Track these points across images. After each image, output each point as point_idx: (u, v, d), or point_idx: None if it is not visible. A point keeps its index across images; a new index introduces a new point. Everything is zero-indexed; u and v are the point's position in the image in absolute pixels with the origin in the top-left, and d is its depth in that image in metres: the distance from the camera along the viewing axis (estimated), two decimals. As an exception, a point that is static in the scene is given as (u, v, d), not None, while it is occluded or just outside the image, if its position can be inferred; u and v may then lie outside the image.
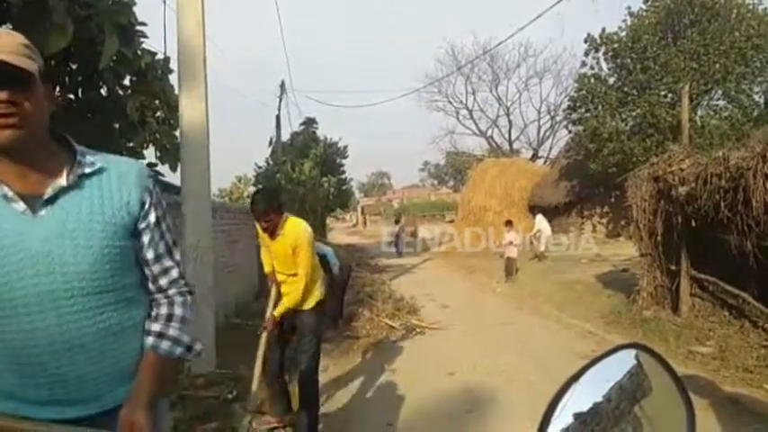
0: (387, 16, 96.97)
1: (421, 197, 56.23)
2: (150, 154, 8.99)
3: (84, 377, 1.34)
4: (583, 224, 20.78)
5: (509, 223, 13.49)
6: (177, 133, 8.84)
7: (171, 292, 1.47)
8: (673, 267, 7.24)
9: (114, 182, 1.38)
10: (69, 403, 1.34)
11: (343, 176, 24.85)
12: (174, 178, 9.97)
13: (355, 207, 62.39)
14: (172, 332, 1.43)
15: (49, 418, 1.31)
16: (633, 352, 0.94)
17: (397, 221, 25.03)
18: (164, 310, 1.46)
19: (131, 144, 8.64)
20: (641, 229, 7.48)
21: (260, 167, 22.07)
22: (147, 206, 1.42)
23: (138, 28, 7.42)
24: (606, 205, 19.65)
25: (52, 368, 1.30)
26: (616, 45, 17.76)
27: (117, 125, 8.35)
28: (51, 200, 1.30)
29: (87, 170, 1.36)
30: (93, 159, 1.38)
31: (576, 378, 0.88)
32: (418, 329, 7.71)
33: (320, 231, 17.65)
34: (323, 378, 5.73)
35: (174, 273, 1.48)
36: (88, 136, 7.86)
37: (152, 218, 1.43)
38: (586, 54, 18.73)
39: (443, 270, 16.54)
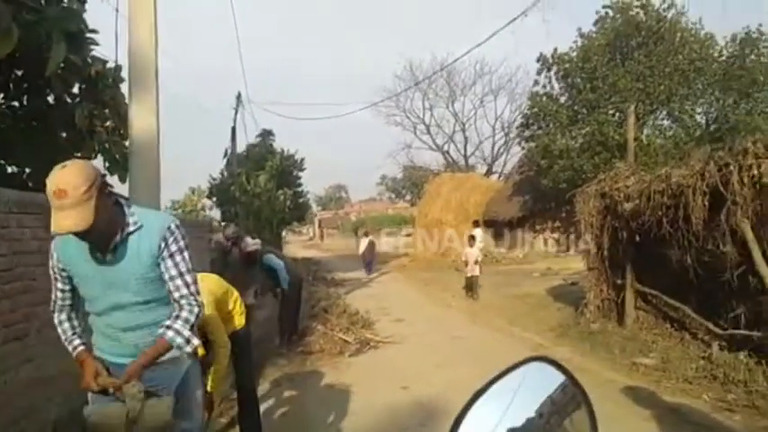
0: (345, 31, 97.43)
1: (378, 211, 56.33)
2: (98, 164, 8.70)
3: (134, 346, 2.24)
4: (535, 238, 21.24)
5: (471, 239, 12.88)
6: (126, 143, 8.59)
7: (182, 302, 2.21)
8: (619, 281, 7.47)
9: (147, 234, 2.15)
10: (125, 356, 2.24)
11: (299, 189, 24.64)
12: (123, 189, 9.70)
13: (312, 220, 62.01)
14: (176, 326, 2.17)
15: (116, 362, 2.27)
16: (552, 366, 0.97)
17: (366, 234, 22.44)
18: (175, 313, 2.21)
19: (79, 154, 8.33)
20: (589, 243, 7.71)
21: (215, 179, 21.69)
22: (163, 246, 2.16)
23: (89, 35, 7.22)
24: (557, 220, 20.14)
25: (120, 339, 2.26)
26: (567, 65, 18.33)
27: (64, 134, 8.06)
28: (113, 250, 2.14)
29: (132, 228, 2.14)
30: (136, 219, 2.15)
31: (482, 392, 0.92)
32: (372, 343, 7.70)
33: (276, 245, 17.42)
34: (276, 393, 5.69)
35: (184, 290, 2.20)
36: (33, 145, 7.57)
37: (166, 253, 2.17)
38: (539, 73, 19.28)
39: (399, 284, 16.59)
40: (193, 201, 32.17)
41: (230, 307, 3.87)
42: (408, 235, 30.77)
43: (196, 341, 2.24)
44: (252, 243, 7.54)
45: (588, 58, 17.87)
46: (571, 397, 0.96)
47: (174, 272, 2.18)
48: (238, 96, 22.02)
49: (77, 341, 2.32)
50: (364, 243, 20.77)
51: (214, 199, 21.70)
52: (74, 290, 2.31)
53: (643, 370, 5.76)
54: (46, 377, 4.16)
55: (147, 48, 5.38)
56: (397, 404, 5.12)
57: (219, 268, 6.39)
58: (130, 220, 2.14)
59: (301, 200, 25.17)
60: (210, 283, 3.64)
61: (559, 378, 0.95)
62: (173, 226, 2.19)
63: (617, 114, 17.17)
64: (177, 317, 2.20)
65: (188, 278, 2.21)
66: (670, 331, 6.77)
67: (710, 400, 4.77)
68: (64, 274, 2.26)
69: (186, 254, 2.21)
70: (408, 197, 55.33)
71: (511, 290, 12.36)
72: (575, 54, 18.46)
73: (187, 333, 2.18)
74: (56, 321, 2.37)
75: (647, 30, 17.61)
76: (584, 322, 7.72)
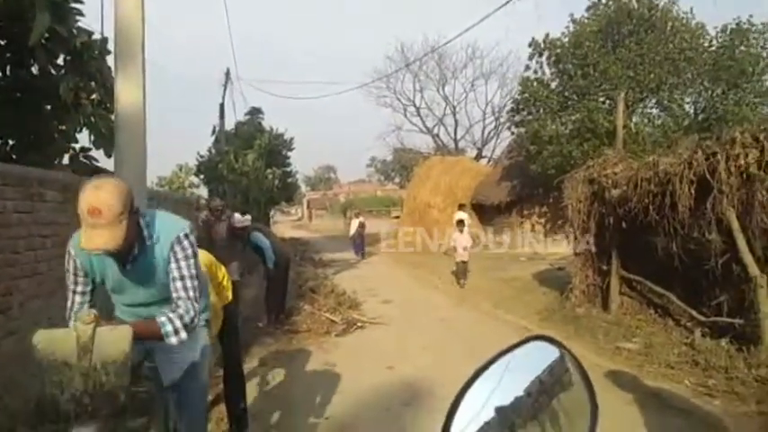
0: (337, 10, 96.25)
1: (367, 192, 56.35)
2: (84, 138, 8.55)
3: None
4: (522, 223, 21.34)
5: (461, 223, 11.91)
6: (113, 117, 8.45)
7: (179, 303, 2.32)
8: (604, 267, 7.54)
9: (161, 245, 2.31)
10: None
11: (288, 169, 24.50)
12: (109, 164, 9.58)
13: (301, 201, 61.86)
14: (170, 315, 2.27)
15: None
16: (552, 344, 0.97)
17: (357, 215, 21.12)
18: (173, 307, 2.32)
19: (63, 127, 8.19)
20: (576, 228, 7.76)
21: (202, 157, 21.48)
22: (172, 254, 2.32)
23: (74, 5, 7.05)
24: (545, 205, 20.22)
25: None
26: (559, 50, 18.24)
27: (48, 106, 7.90)
28: (132, 260, 2.29)
29: (148, 242, 2.29)
30: (152, 231, 2.29)
31: (482, 370, 0.90)
32: (359, 324, 7.73)
33: (264, 224, 17.33)
34: (262, 372, 5.70)
35: (182, 293, 2.32)
36: (17, 117, 7.42)
37: (173, 258, 2.31)
38: (530, 58, 19.16)
39: (387, 266, 16.63)
40: (180, 178, 31.81)
41: (219, 279, 3.88)
42: (397, 217, 30.79)
43: (183, 335, 2.30)
44: (241, 220, 7.48)
45: (580, 44, 17.78)
46: (558, 377, 0.96)
47: (176, 274, 2.32)
48: (227, 73, 21.74)
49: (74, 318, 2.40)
50: (355, 224, 20.03)
51: (201, 176, 21.51)
52: (93, 290, 2.42)
53: (626, 354, 5.84)
54: (28, 351, 4.12)
55: (133, 19, 5.25)
56: (383, 384, 5.16)
57: (206, 244, 6.34)
58: (147, 232, 2.29)
59: (290, 180, 25.05)
60: (200, 256, 3.66)
61: (552, 358, 0.95)
62: (182, 235, 2.33)
63: (607, 102, 17.16)
64: (174, 311, 2.30)
65: (188, 282, 2.34)
66: (654, 317, 6.86)
67: (692, 386, 4.85)
68: (86, 277, 2.37)
69: (192, 261, 2.36)
70: (397, 179, 55.34)
71: (497, 274, 12.45)
72: (566, 40, 18.36)
73: (178, 324, 2.28)
74: (67, 282, 2.42)
75: (638, 17, 17.54)
76: (569, 307, 7.80)
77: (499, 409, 0.89)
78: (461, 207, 17.21)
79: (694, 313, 6.15)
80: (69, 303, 2.40)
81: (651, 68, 16.74)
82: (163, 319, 2.26)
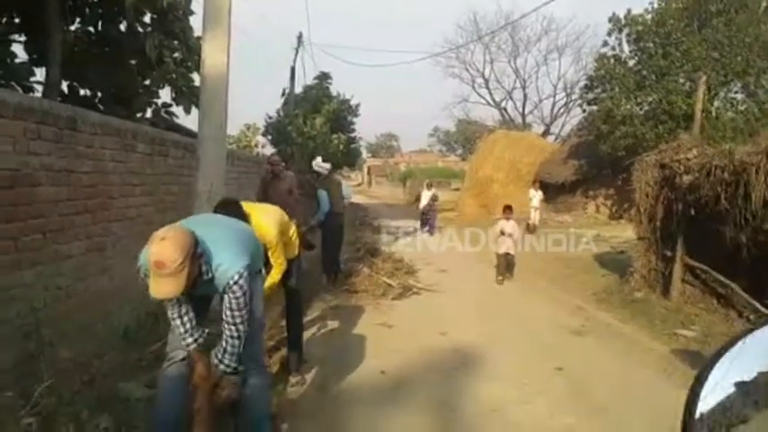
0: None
1: (428, 162, 56.04)
2: (165, 94, 9.01)
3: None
4: (587, 204, 20.89)
5: (508, 209, 9.51)
6: (193, 76, 8.86)
7: (225, 327, 2.74)
8: (668, 253, 7.41)
9: (218, 281, 2.66)
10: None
11: (353, 135, 24.76)
12: (186, 120, 10.03)
13: (362, 166, 62.34)
14: (219, 357, 2.77)
15: None
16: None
17: (429, 186, 17.75)
18: (223, 345, 2.78)
19: (147, 83, 8.67)
20: (642, 213, 7.63)
21: (271, 118, 22.00)
22: (225, 294, 2.68)
23: (164, -34, 7.39)
24: (612, 187, 19.71)
25: None
26: (640, 27, 17.48)
27: (134, 62, 8.37)
28: (197, 288, 2.60)
29: (205, 278, 2.61)
30: (209, 269, 2.62)
31: (727, 347, 0.90)
32: (414, 290, 7.95)
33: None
34: (321, 325, 6.04)
35: (229, 319, 2.72)
36: (104, 70, 7.88)
37: (226, 296, 2.69)
38: (609, 34, 18.46)
39: (444, 238, 16.66)
40: (248, 137, 32.67)
41: (289, 235, 4.17)
42: (457, 189, 30.66)
43: (233, 364, 2.80)
44: (322, 165, 7.73)
45: (663, 21, 16.98)
46: None
47: (227, 305, 2.71)
48: (299, 37, 22.06)
49: (189, 339, 2.80)
50: (426, 196, 17.10)
51: (269, 137, 22.05)
52: None
53: (683, 341, 5.80)
54: (118, 287, 4.57)
55: (222, -16, 5.48)
56: (436, 347, 5.39)
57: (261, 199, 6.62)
58: (204, 269, 2.61)
59: (353, 145, 25.28)
60: (276, 214, 4.01)
61: None
62: (231, 282, 2.68)
63: (687, 83, 16.40)
64: (225, 351, 2.78)
65: (236, 312, 2.72)
66: (715, 307, 6.73)
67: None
68: None
69: (241, 299, 2.71)
70: (459, 151, 54.87)
71: (557, 253, 12.35)
72: (649, 17, 17.56)
73: (233, 365, 2.79)
74: (169, 315, 2.82)
75: (729, -4, 16.54)
76: (627, 290, 7.73)
77: (739, 384, 0.87)
78: (535, 184, 16.75)
79: (758, 306, 6.01)
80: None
81: (739, 51, 15.82)
82: (215, 361, 2.77)
